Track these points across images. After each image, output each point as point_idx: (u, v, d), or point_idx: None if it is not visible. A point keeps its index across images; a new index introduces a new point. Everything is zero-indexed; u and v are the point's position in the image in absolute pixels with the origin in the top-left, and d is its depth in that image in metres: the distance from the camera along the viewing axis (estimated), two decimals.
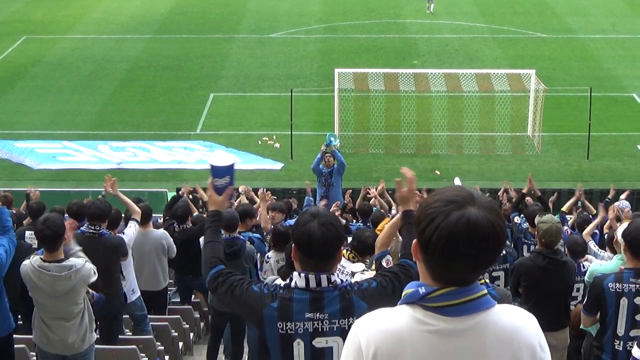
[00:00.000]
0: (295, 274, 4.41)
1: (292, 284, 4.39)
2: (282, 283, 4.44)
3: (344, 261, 8.24)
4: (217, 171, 4.89)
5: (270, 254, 10.77)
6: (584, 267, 9.89)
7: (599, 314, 7.49)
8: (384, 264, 5.94)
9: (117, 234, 10.30)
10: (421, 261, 2.95)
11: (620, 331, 7.26)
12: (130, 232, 10.34)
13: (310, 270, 4.37)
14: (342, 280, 4.42)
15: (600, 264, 9.00)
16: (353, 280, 4.65)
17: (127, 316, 10.82)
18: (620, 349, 7.29)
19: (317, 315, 4.34)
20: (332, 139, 18.05)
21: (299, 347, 4.36)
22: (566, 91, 27.70)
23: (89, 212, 9.62)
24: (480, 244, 2.81)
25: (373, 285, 4.49)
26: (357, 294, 4.41)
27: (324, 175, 17.58)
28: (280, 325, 4.35)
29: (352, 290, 4.41)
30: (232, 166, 4.93)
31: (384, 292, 4.49)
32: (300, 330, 4.34)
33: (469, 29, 36.39)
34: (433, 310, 2.89)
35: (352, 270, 8.02)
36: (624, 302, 7.21)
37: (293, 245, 4.45)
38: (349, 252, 8.48)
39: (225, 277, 4.57)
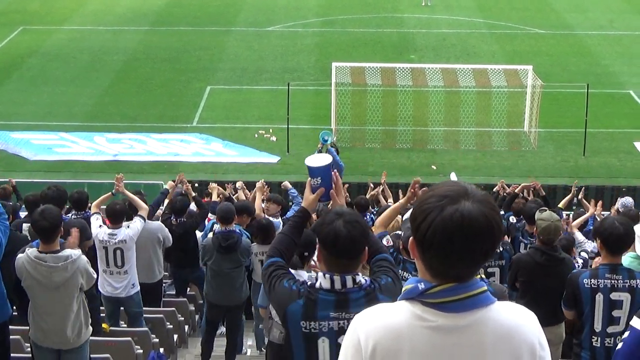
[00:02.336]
0: (320, 274, 4.45)
1: (317, 284, 4.43)
2: (309, 282, 4.50)
3: None
4: (311, 171, 4.98)
5: (253, 246, 10.78)
6: (582, 264, 9.91)
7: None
8: (384, 242, 6.01)
9: (122, 227, 10.45)
10: (418, 258, 2.95)
11: (598, 327, 7.23)
12: (135, 227, 10.47)
13: (336, 271, 4.39)
14: (366, 280, 4.44)
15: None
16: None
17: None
18: (598, 345, 7.24)
19: (343, 314, 4.40)
20: (326, 137, 17.96)
21: (323, 344, 4.43)
22: (563, 87, 27.69)
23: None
24: (475, 237, 2.81)
25: (389, 280, 4.54)
26: (381, 291, 4.46)
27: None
28: (303, 324, 4.41)
29: (377, 289, 4.46)
30: (324, 167, 4.96)
31: (396, 285, 4.55)
32: (325, 329, 4.41)
33: (466, 24, 36.37)
34: (432, 307, 2.88)
35: None
36: (599, 297, 7.18)
37: (318, 245, 4.46)
38: None
39: (275, 268, 4.66)
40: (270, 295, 4.61)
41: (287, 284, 4.51)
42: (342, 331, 4.38)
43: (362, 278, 4.42)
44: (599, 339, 7.22)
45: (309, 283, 4.48)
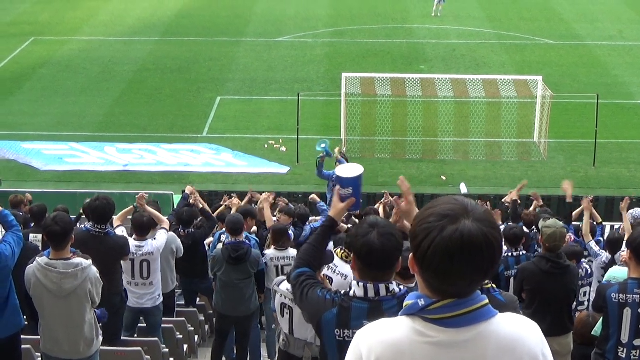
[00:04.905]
0: (354, 282, 4.49)
1: (351, 292, 4.48)
2: (343, 291, 4.55)
3: (337, 260, 8.22)
4: (342, 181, 4.98)
5: (269, 252, 10.82)
6: (589, 270, 9.89)
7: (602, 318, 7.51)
8: None
9: (148, 239, 10.46)
10: (418, 274, 2.96)
11: (624, 339, 7.24)
12: (161, 238, 10.51)
13: (370, 280, 4.43)
14: (400, 289, 4.48)
15: (620, 269, 8.96)
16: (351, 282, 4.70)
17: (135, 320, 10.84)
18: (624, 356, 7.26)
19: None
20: (322, 145, 17.97)
21: None
22: (573, 98, 27.67)
23: (93, 214, 9.64)
24: (475, 257, 2.81)
25: None
26: None
27: (333, 180, 17.52)
28: (337, 332, 4.46)
29: None
30: (357, 178, 4.98)
31: None
32: None
33: (476, 34, 36.39)
34: (433, 322, 2.89)
35: (343, 272, 8.02)
36: (627, 312, 7.17)
37: (353, 255, 4.50)
38: (342, 251, 8.45)
39: (303, 278, 4.71)
40: (301, 304, 4.66)
41: (321, 293, 4.56)
42: None
43: (395, 287, 4.46)
44: (625, 350, 7.23)
45: (343, 292, 4.53)
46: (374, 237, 4.38)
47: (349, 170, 5.04)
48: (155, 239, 10.57)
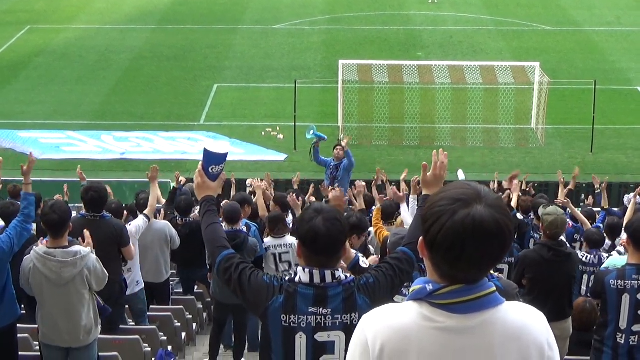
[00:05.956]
0: (299, 269, 4.45)
1: (297, 278, 4.43)
2: (288, 277, 4.48)
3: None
4: (214, 158, 4.87)
5: (266, 240, 10.83)
6: (603, 259, 9.87)
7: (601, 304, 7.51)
8: (362, 265, 5.99)
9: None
10: (428, 259, 2.94)
11: (623, 325, 7.24)
12: (137, 224, 10.41)
13: (315, 266, 4.40)
14: (346, 276, 4.46)
15: (621, 258, 8.96)
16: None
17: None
18: (622, 342, 7.26)
19: (320, 310, 4.39)
20: (311, 132, 18.00)
21: (301, 340, 4.41)
22: (570, 84, 27.65)
23: (86, 205, 9.59)
24: (486, 242, 2.80)
25: (370, 280, 4.52)
26: (360, 289, 4.46)
27: (330, 167, 17.49)
28: (283, 317, 4.40)
29: (355, 286, 4.46)
30: (227, 154, 4.92)
31: (381, 285, 4.53)
32: (303, 324, 4.39)
33: (473, 21, 36.32)
34: (440, 308, 2.87)
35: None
36: (625, 298, 7.17)
37: (298, 241, 4.47)
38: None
39: (239, 261, 4.59)
40: (241, 288, 4.50)
41: (268, 279, 4.47)
42: (319, 327, 4.39)
43: (341, 274, 4.43)
44: (624, 336, 7.23)
45: (288, 278, 4.48)
46: (319, 222, 4.35)
47: (218, 146, 4.93)
48: (130, 224, 10.49)
